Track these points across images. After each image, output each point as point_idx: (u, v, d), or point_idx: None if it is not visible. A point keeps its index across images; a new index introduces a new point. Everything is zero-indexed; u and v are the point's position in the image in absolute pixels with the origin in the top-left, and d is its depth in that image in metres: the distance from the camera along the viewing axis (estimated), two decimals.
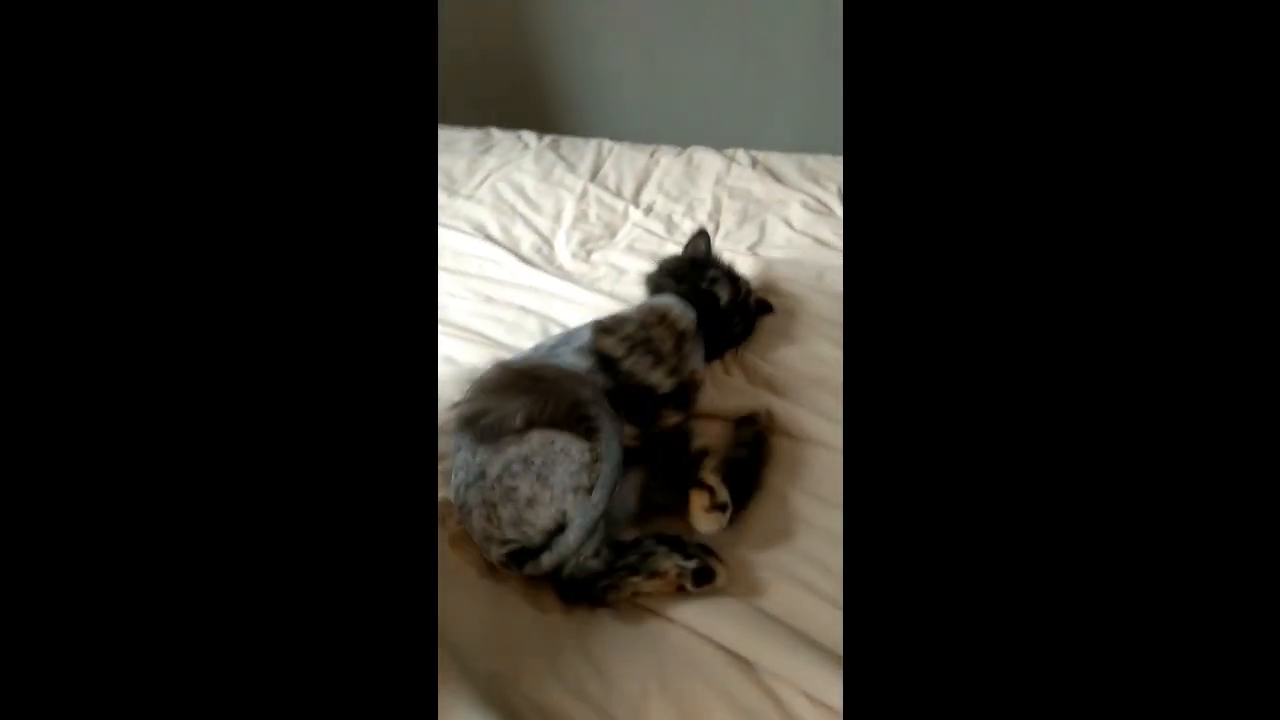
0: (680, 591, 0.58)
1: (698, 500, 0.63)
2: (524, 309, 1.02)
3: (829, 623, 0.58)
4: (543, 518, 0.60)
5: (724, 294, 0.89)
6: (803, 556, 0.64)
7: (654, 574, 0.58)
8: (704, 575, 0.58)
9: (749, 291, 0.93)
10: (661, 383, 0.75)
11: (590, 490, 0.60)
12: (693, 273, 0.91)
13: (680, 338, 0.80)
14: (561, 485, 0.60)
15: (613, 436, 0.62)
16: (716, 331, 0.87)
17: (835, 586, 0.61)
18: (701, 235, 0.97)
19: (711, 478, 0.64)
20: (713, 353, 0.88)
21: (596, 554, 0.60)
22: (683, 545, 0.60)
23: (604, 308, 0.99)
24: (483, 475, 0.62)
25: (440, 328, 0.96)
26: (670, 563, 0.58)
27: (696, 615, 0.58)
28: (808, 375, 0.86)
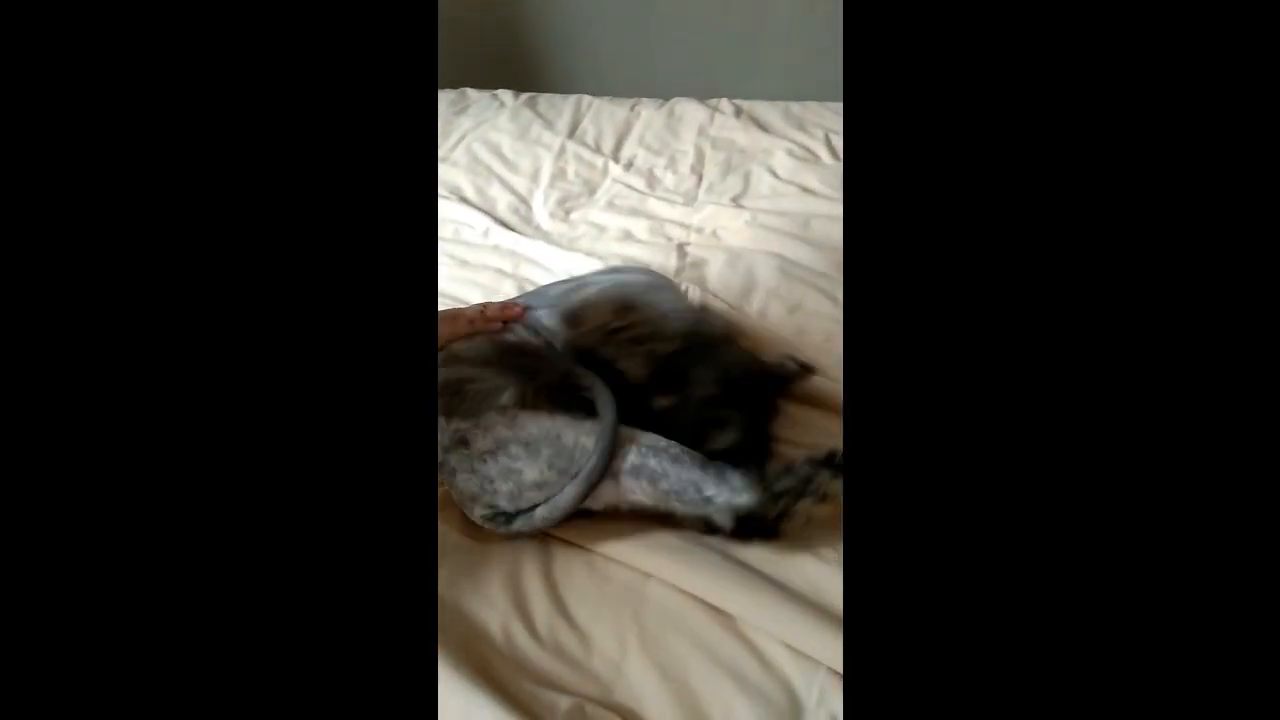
0: None
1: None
2: (500, 272, 0.99)
3: (809, 572, 0.56)
4: (546, 492, 0.58)
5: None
6: None
7: (824, 497, 0.56)
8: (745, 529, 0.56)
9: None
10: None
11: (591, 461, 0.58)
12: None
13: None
14: (564, 468, 0.58)
15: (608, 399, 0.60)
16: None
17: (809, 530, 0.59)
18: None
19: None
20: None
21: (744, 490, 0.57)
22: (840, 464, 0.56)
23: (580, 269, 0.96)
24: (464, 443, 0.60)
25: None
26: (834, 488, 0.55)
27: (674, 569, 0.57)
28: (795, 327, 0.83)
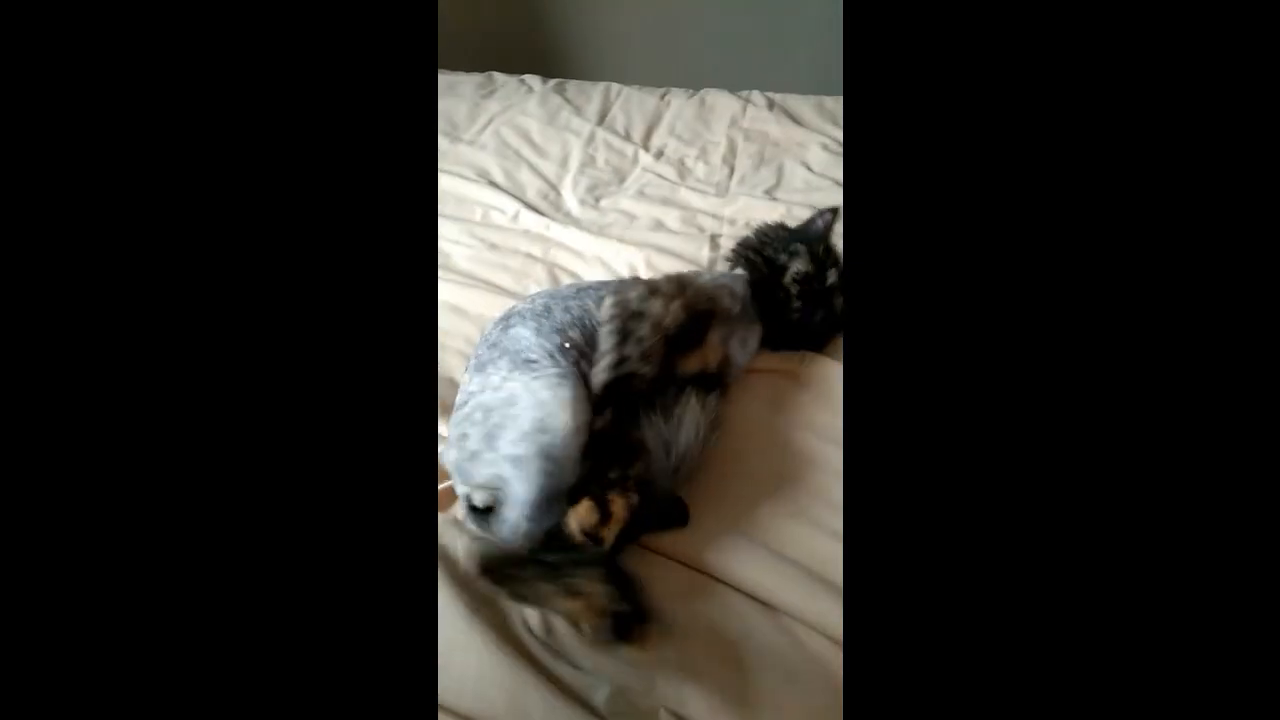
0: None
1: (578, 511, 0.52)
2: (530, 256, 0.98)
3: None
4: (479, 475, 0.56)
5: (795, 267, 0.73)
6: (811, 494, 0.61)
7: (574, 593, 0.47)
8: (623, 628, 0.46)
9: (835, 282, 0.73)
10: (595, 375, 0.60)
11: (533, 461, 0.53)
12: (772, 243, 0.77)
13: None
14: (503, 450, 0.55)
15: (569, 403, 0.55)
16: (775, 315, 0.72)
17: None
18: (826, 212, 0.79)
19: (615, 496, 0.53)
20: (778, 342, 0.74)
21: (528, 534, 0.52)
22: (620, 576, 0.48)
23: (612, 256, 0.95)
24: (463, 406, 0.60)
25: (443, 275, 0.92)
26: (595, 591, 0.47)
27: (718, 561, 0.56)
28: None
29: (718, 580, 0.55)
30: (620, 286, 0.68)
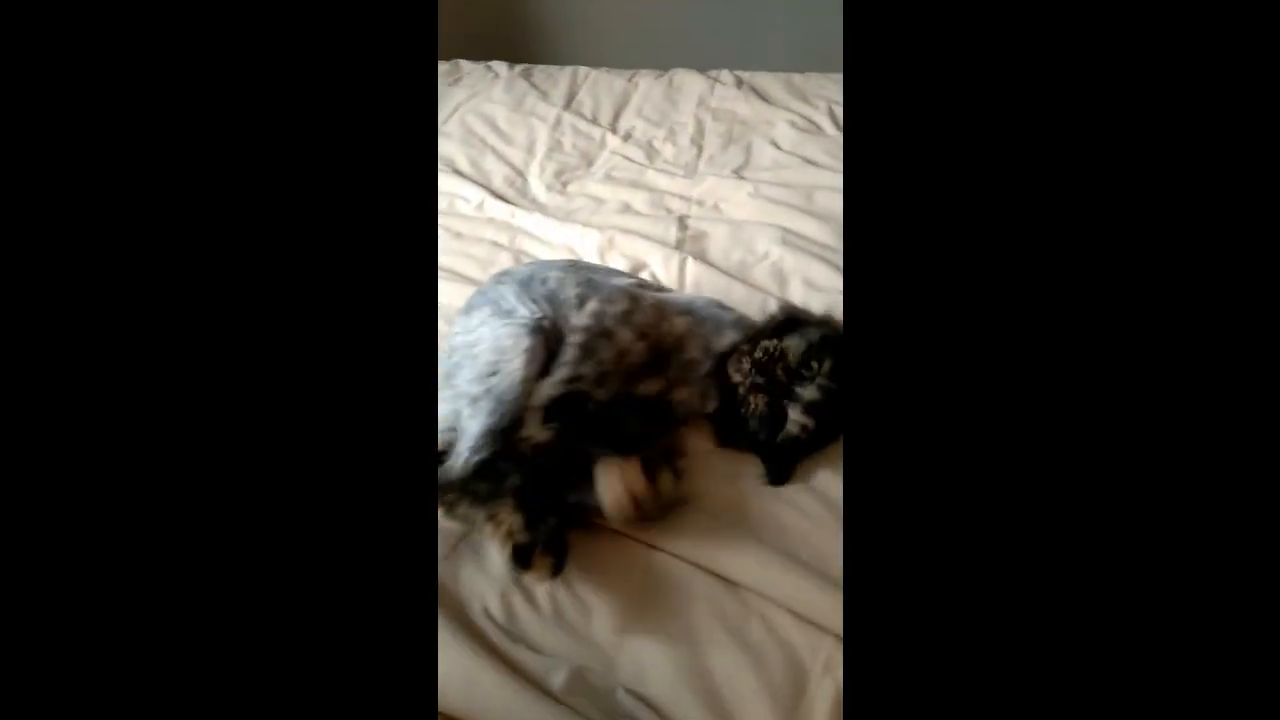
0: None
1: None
2: (496, 244, 0.96)
3: (813, 539, 0.56)
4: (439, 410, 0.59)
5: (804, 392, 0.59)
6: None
7: (494, 520, 0.51)
8: (521, 557, 0.50)
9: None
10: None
11: (483, 401, 0.57)
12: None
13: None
14: (460, 387, 0.59)
15: (525, 351, 0.59)
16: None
17: (813, 502, 0.58)
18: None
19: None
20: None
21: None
22: (536, 507, 0.51)
23: (578, 241, 0.94)
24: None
25: None
26: (508, 521, 0.51)
27: (677, 539, 0.55)
28: (799, 301, 0.81)
29: (679, 558, 0.55)
30: (608, 294, 0.64)
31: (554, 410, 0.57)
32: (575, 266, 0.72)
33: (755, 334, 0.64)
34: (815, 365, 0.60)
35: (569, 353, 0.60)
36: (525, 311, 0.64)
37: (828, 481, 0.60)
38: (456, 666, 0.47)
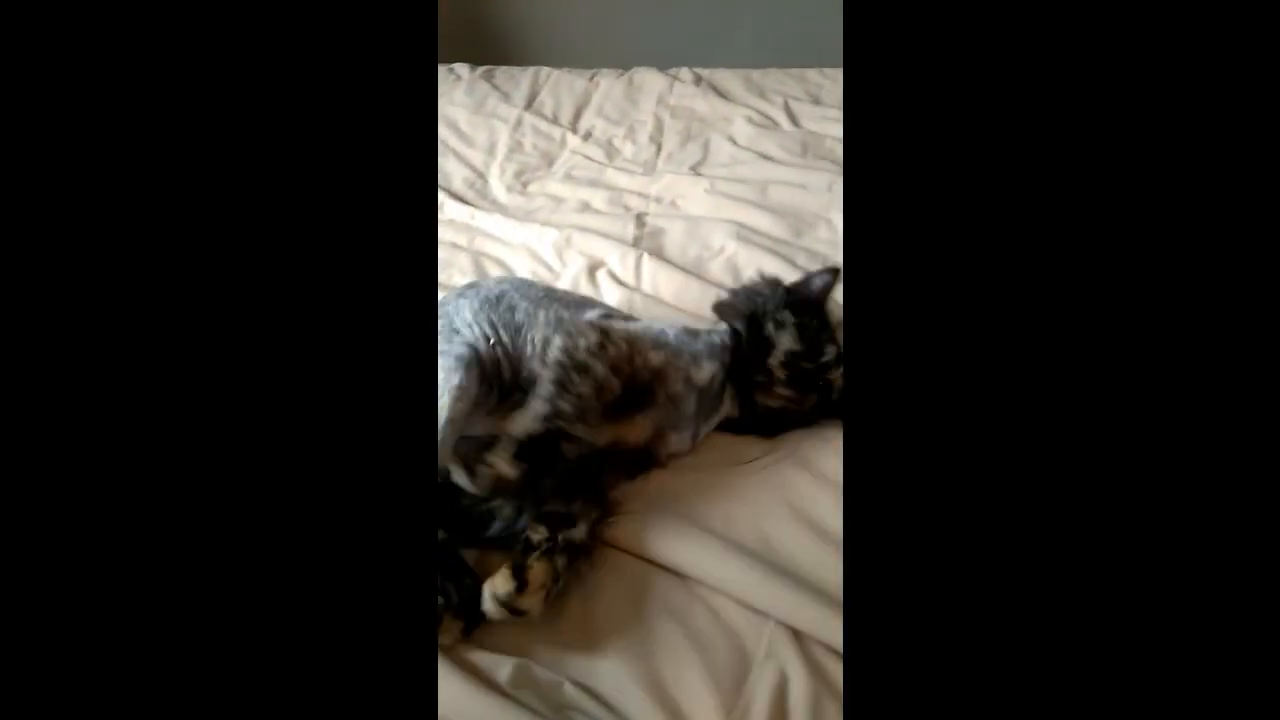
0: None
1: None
2: (455, 245, 0.96)
3: (764, 528, 0.57)
4: None
5: (784, 345, 0.62)
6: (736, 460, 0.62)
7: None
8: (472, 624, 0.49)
9: (830, 359, 0.63)
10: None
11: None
12: (761, 307, 0.66)
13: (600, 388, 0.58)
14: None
15: (451, 390, 0.55)
16: (753, 399, 0.64)
17: (763, 490, 0.59)
18: (825, 273, 0.69)
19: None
20: (750, 427, 0.65)
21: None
22: (452, 567, 0.51)
23: (537, 240, 0.95)
24: None
25: None
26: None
27: (624, 530, 0.56)
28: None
29: (626, 552, 0.56)
30: (576, 328, 0.62)
31: (528, 448, 0.55)
32: (549, 297, 0.68)
33: (748, 356, 0.63)
34: (822, 341, 0.63)
35: (545, 387, 0.58)
36: (469, 335, 0.62)
37: (783, 472, 0.61)
38: None
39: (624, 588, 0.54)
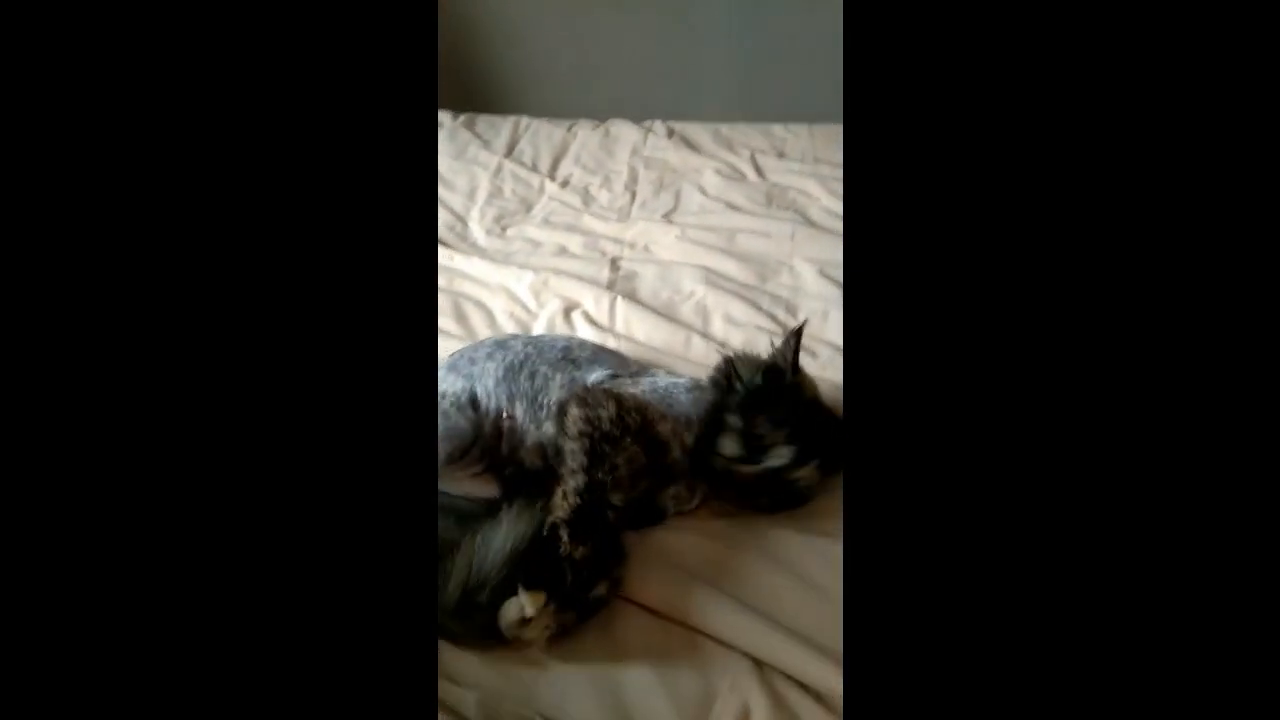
0: None
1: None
2: None
3: (740, 572, 0.59)
4: None
5: (725, 448, 0.61)
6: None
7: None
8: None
9: (781, 465, 0.60)
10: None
11: None
12: (720, 401, 0.63)
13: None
14: None
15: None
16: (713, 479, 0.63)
17: (738, 531, 0.62)
18: (791, 337, 0.65)
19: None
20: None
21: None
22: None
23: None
24: None
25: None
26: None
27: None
28: (722, 337, 0.87)
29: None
30: (591, 397, 0.62)
31: (582, 523, 0.56)
32: (566, 358, 0.69)
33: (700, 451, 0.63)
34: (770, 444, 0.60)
35: (576, 459, 0.59)
36: (486, 404, 0.67)
37: (752, 519, 0.64)
38: None
39: (595, 619, 0.56)
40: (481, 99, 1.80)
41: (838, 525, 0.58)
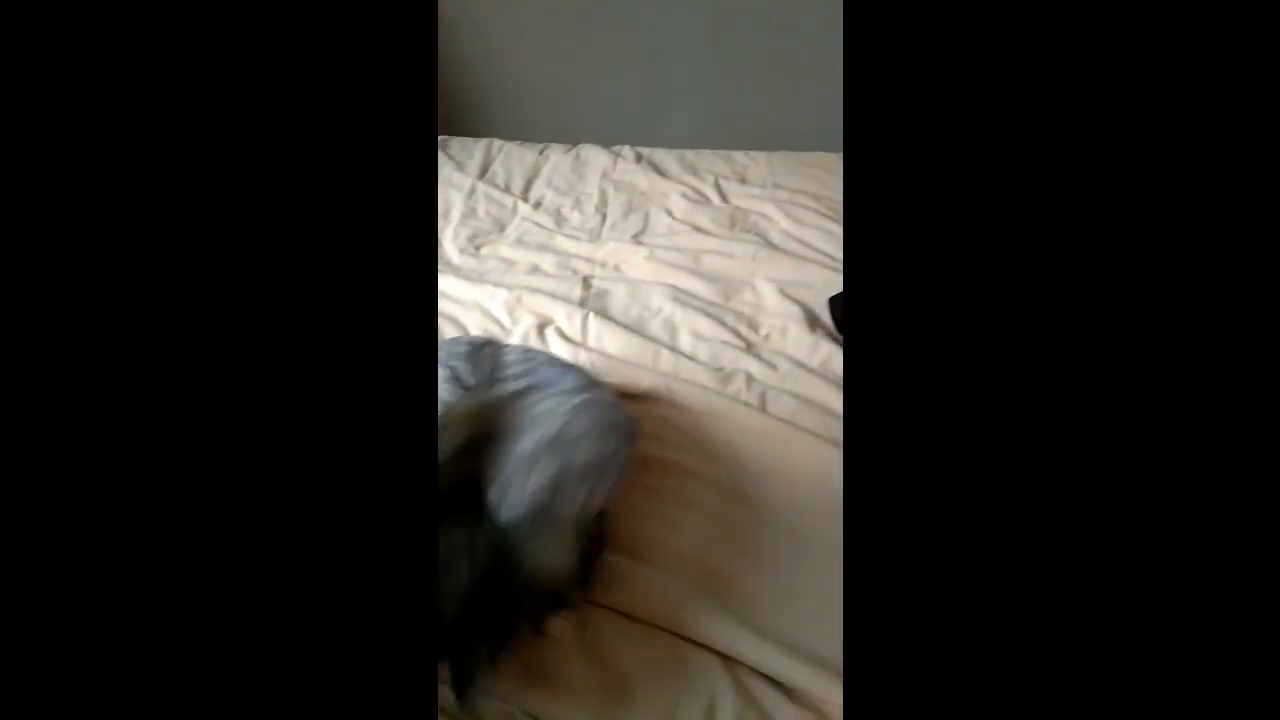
0: None
1: None
2: None
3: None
4: None
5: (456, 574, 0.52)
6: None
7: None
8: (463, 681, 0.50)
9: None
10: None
11: None
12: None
13: None
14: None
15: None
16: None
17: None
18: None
19: None
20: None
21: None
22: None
23: (489, 300, 1.02)
24: None
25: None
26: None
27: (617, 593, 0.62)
28: (690, 349, 0.92)
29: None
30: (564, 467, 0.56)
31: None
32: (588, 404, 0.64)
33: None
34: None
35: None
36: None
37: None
38: None
39: (605, 645, 0.58)
40: (453, 120, 1.84)
41: None
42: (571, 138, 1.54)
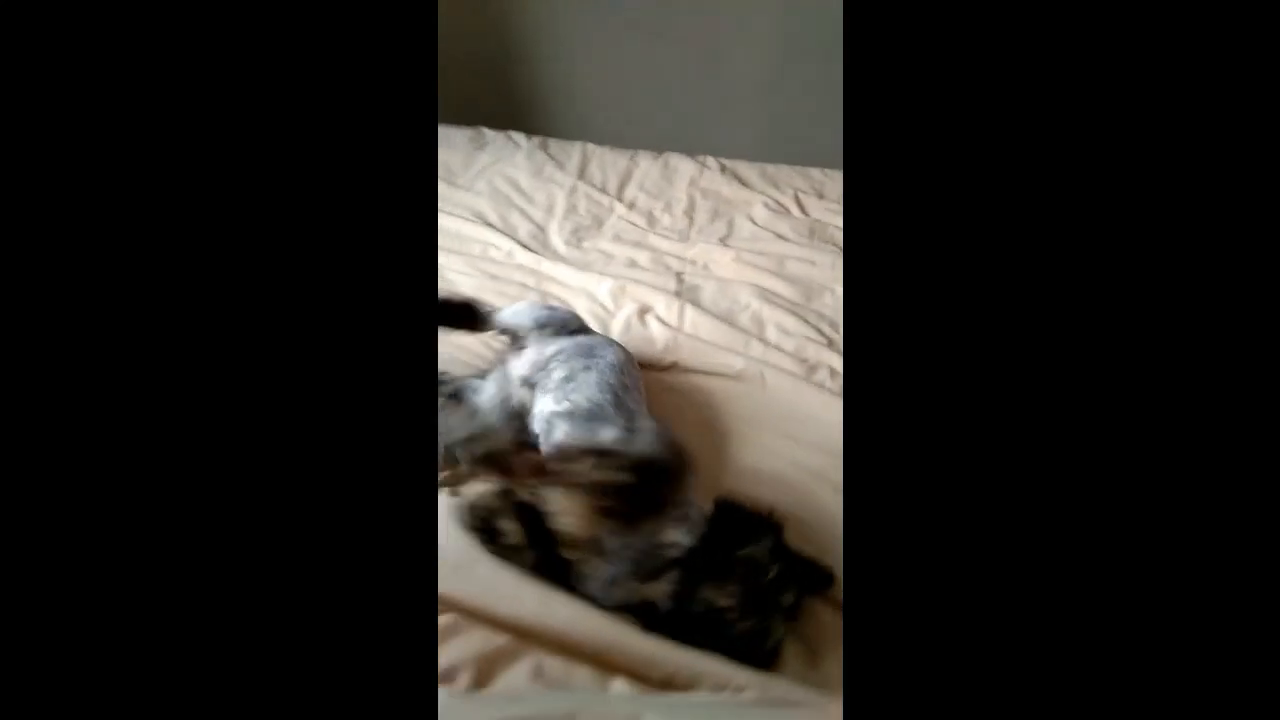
0: None
1: None
2: (524, 285, 1.16)
3: None
4: None
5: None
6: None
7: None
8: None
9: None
10: None
11: None
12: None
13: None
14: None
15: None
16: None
17: None
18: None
19: None
20: None
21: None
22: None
23: (594, 286, 1.15)
24: None
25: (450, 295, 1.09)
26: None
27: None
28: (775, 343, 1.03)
29: None
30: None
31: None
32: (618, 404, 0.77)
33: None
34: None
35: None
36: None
37: None
38: (529, 589, 0.63)
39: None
40: (548, 123, 1.99)
41: None
42: (657, 145, 1.67)
